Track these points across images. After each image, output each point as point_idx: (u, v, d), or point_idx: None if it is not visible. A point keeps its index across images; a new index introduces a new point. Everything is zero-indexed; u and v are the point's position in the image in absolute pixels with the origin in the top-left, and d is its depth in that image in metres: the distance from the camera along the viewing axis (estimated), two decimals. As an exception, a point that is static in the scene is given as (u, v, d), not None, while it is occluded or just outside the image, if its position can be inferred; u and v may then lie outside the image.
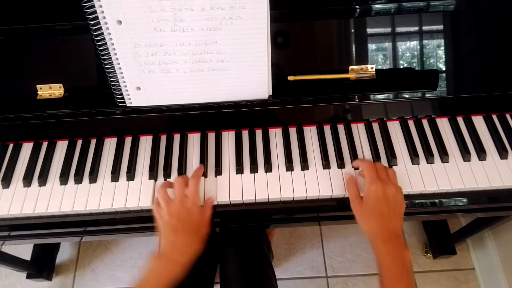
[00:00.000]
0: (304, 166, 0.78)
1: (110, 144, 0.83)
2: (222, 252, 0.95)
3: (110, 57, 0.73)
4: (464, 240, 1.36)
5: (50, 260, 1.43)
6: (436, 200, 0.78)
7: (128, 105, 0.79)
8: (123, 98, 0.78)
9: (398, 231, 0.68)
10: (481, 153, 0.78)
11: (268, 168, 0.78)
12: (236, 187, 0.76)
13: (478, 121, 0.83)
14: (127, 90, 0.77)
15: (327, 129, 0.83)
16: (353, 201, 0.72)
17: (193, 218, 0.70)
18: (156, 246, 0.72)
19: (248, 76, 0.76)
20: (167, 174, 0.78)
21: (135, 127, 0.84)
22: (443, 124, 0.83)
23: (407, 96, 0.81)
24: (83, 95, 0.81)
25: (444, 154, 0.78)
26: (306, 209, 0.78)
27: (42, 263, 1.40)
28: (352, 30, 0.79)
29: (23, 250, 1.42)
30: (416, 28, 0.79)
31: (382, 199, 0.68)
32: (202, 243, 0.71)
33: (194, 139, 0.83)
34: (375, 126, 0.83)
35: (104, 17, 0.68)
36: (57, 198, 0.76)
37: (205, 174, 0.78)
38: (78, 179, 0.78)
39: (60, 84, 0.80)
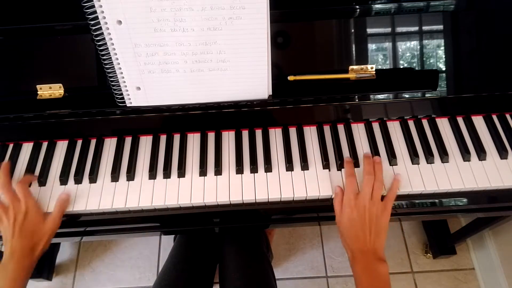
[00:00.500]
0: (304, 166, 0.78)
1: (110, 144, 0.83)
2: (221, 252, 0.95)
3: (110, 57, 0.73)
4: (464, 240, 1.36)
5: (50, 260, 1.43)
6: (436, 200, 0.78)
7: (128, 105, 0.79)
8: (123, 98, 0.78)
9: (376, 248, 0.68)
10: (481, 153, 0.78)
11: (268, 168, 0.78)
12: (236, 187, 0.76)
13: (478, 121, 0.83)
14: (127, 90, 0.77)
15: (327, 129, 0.83)
16: (336, 215, 0.73)
17: (29, 221, 0.71)
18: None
19: (248, 76, 0.76)
20: (167, 174, 0.78)
21: (135, 127, 0.84)
22: (443, 124, 0.83)
23: (407, 96, 0.81)
24: (83, 95, 0.81)
25: (444, 154, 0.78)
26: (306, 209, 0.78)
27: (42, 263, 1.40)
28: (352, 30, 0.79)
29: (23, 250, 1.42)
30: (416, 28, 0.79)
31: (357, 221, 0.68)
32: (47, 241, 0.72)
33: (194, 139, 0.83)
34: (375, 126, 0.83)
35: (104, 17, 0.68)
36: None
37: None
38: (78, 179, 0.78)
39: (60, 84, 0.80)
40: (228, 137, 0.83)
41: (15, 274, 0.68)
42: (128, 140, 0.84)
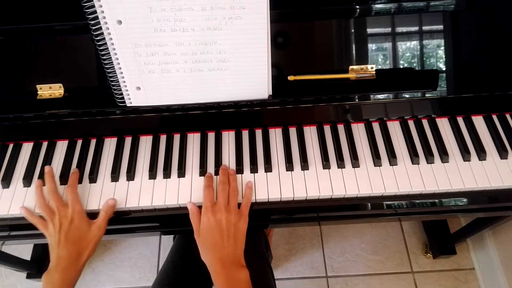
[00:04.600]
0: (304, 166, 0.78)
1: (110, 144, 0.83)
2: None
3: (110, 57, 0.73)
4: (464, 240, 1.36)
5: (50, 260, 1.43)
6: (436, 200, 0.78)
7: (128, 105, 0.79)
8: (123, 98, 0.78)
9: (235, 254, 0.68)
10: (481, 153, 0.78)
11: (268, 168, 0.78)
12: (236, 187, 0.76)
13: (478, 121, 0.83)
14: (127, 90, 0.77)
15: (327, 129, 0.83)
16: (194, 232, 0.71)
17: (75, 227, 0.70)
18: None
19: (248, 76, 0.76)
20: (167, 174, 0.78)
21: (135, 127, 0.84)
22: (443, 124, 0.83)
23: (407, 96, 0.81)
24: (83, 95, 0.81)
25: (444, 154, 0.78)
26: (306, 209, 0.78)
27: (42, 263, 1.40)
28: (352, 30, 0.79)
29: (23, 250, 1.42)
30: (416, 28, 0.79)
31: (215, 229, 0.68)
32: (92, 248, 0.72)
33: (194, 139, 0.83)
34: (375, 126, 0.83)
35: (104, 17, 0.68)
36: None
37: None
38: (78, 179, 0.78)
39: (60, 84, 0.80)
40: (228, 137, 0.83)
41: (61, 281, 0.68)
42: (128, 140, 0.84)
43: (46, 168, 0.78)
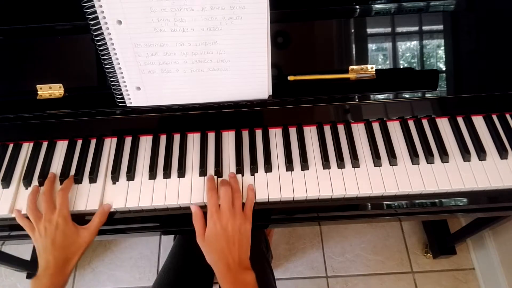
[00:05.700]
0: (304, 166, 0.78)
1: (110, 144, 0.83)
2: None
3: (110, 57, 0.73)
4: (464, 240, 1.36)
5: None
6: (436, 200, 0.78)
7: (128, 105, 0.79)
8: (123, 98, 0.78)
9: (241, 258, 0.67)
10: (481, 153, 0.78)
11: (268, 168, 0.78)
12: (236, 187, 0.76)
13: (478, 121, 0.83)
14: (127, 90, 0.77)
15: (327, 129, 0.83)
16: (198, 236, 0.70)
17: (61, 233, 0.69)
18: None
19: (248, 76, 0.76)
20: (167, 174, 0.78)
21: (135, 127, 0.84)
22: (443, 124, 0.83)
23: (407, 96, 0.81)
24: (83, 95, 0.81)
25: (444, 154, 0.78)
26: (306, 209, 0.78)
27: (42, 263, 1.40)
28: (352, 30, 0.79)
29: (23, 250, 1.42)
30: (416, 28, 0.79)
31: (221, 235, 0.67)
32: (81, 254, 0.72)
33: (194, 139, 0.83)
34: (375, 126, 0.83)
35: (104, 17, 0.68)
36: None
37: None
38: (78, 179, 0.78)
39: (60, 84, 0.80)
40: (228, 137, 0.83)
41: (49, 286, 0.67)
42: (128, 140, 0.84)
43: (50, 174, 0.79)
